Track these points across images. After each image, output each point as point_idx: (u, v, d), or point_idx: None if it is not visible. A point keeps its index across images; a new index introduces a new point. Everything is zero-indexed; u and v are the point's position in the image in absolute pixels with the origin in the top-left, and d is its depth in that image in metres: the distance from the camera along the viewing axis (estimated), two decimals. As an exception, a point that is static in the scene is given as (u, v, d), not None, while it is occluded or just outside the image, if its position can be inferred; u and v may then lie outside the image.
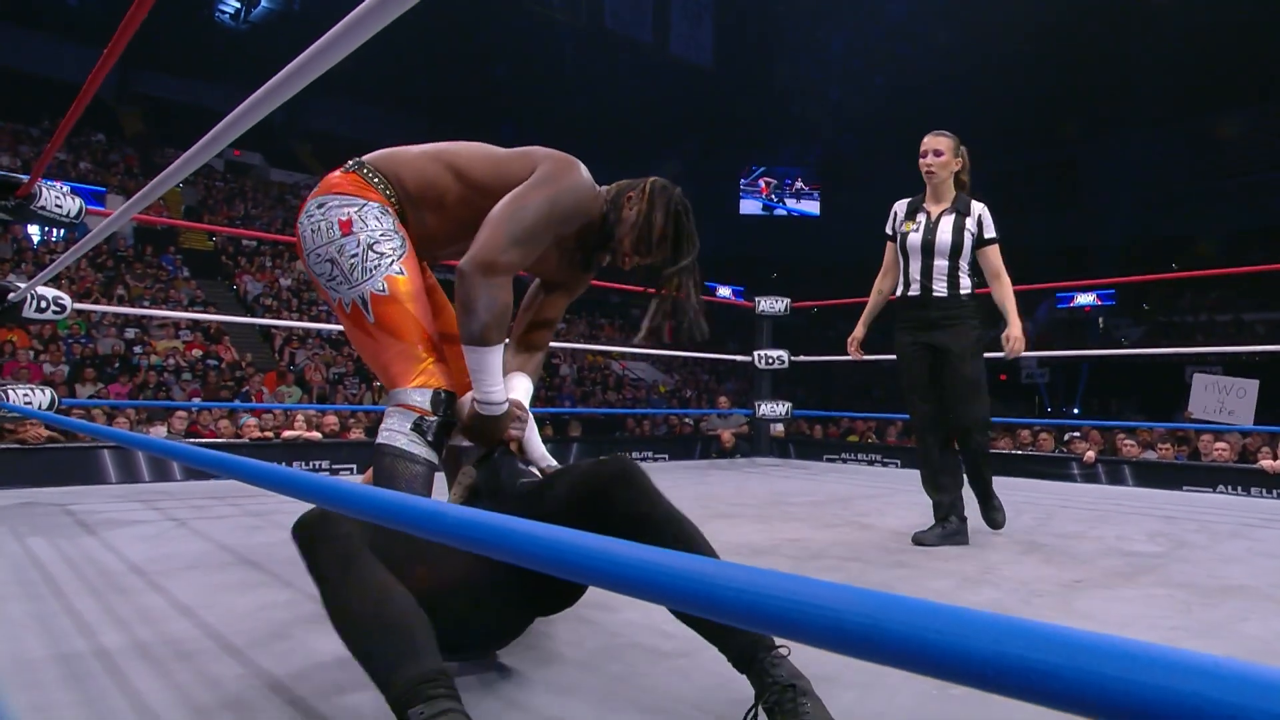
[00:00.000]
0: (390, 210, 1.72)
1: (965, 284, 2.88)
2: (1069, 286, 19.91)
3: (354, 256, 1.64)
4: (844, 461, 7.14)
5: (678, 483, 4.57)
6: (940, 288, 2.87)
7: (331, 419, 6.44)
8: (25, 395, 2.98)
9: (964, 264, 2.88)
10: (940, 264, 2.86)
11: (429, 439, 1.62)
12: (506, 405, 1.64)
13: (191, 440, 6.63)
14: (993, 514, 3.00)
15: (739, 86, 26.24)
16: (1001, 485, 4.69)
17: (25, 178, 2.91)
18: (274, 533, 2.45)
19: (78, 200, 3.14)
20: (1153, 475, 5.84)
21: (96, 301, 12.07)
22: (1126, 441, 6.98)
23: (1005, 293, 2.86)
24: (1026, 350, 2.89)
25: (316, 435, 5.82)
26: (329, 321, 15.12)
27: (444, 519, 0.64)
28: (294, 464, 5.86)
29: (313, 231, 1.69)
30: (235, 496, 3.37)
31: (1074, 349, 18.86)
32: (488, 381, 1.60)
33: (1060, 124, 22.78)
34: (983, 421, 2.85)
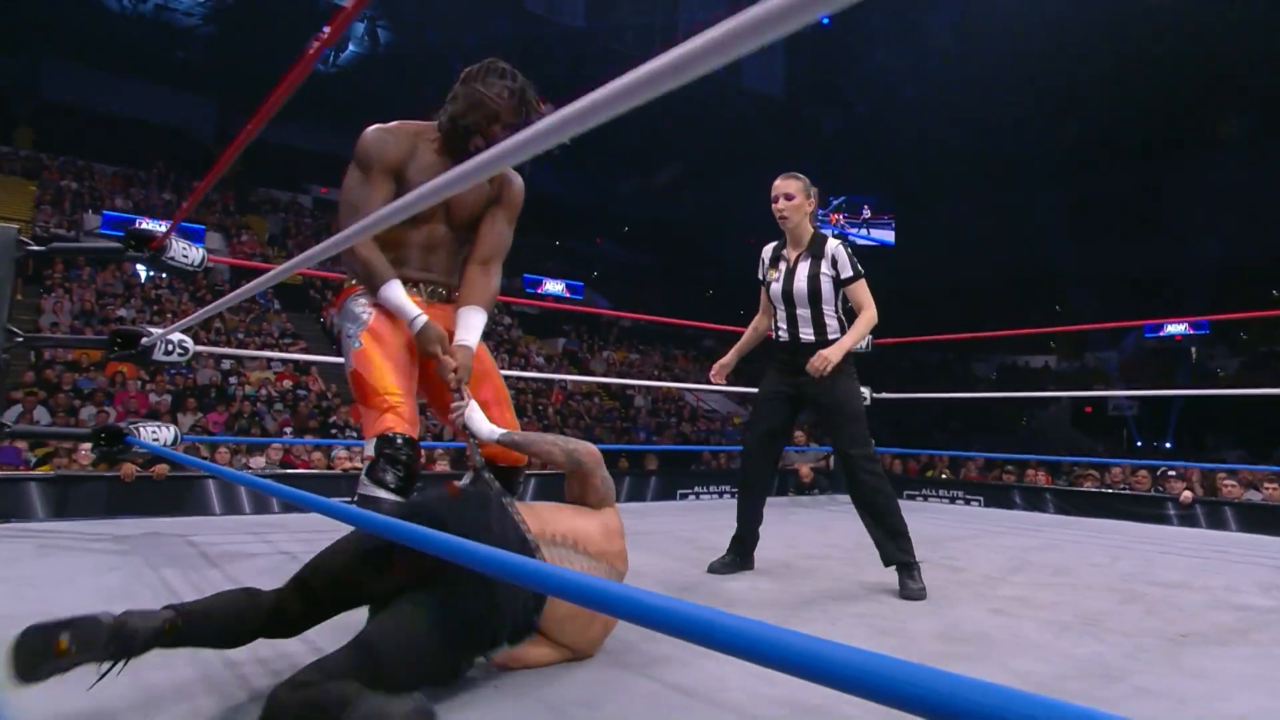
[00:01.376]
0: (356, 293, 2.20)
1: (833, 327, 2.86)
2: (1157, 319, 19.15)
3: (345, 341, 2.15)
4: (925, 499, 7.01)
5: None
6: (807, 334, 2.88)
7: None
8: (153, 432, 3.19)
9: (828, 308, 2.85)
10: (803, 312, 2.87)
11: (384, 479, 1.89)
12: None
13: (286, 471, 6.93)
14: (906, 580, 2.61)
15: (811, 117, 26.21)
16: (1093, 527, 4.58)
17: (159, 233, 3.14)
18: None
19: (201, 251, 3.37)
20: (1259, 519, 5.57)
21: (196, 336, 12.77)
22: (1228, 481, 6.68)
23: (857, 323, 2.80)
24: (1116, 387, 2.82)
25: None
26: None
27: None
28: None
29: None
30: (340, 529, 3.53)
31: (1165, 381, 18.10)
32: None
33: (1143, 145, 22.06)
34: (866, 454, 2.75)
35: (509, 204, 2.27)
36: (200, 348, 3.54)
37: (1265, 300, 21.04)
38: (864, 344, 5.83)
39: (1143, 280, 21.38)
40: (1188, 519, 5.89)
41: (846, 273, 2.84)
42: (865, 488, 2.75)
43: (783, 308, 2.93)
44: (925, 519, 4.84)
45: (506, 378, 2.55)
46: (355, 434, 10.80)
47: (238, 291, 2.06)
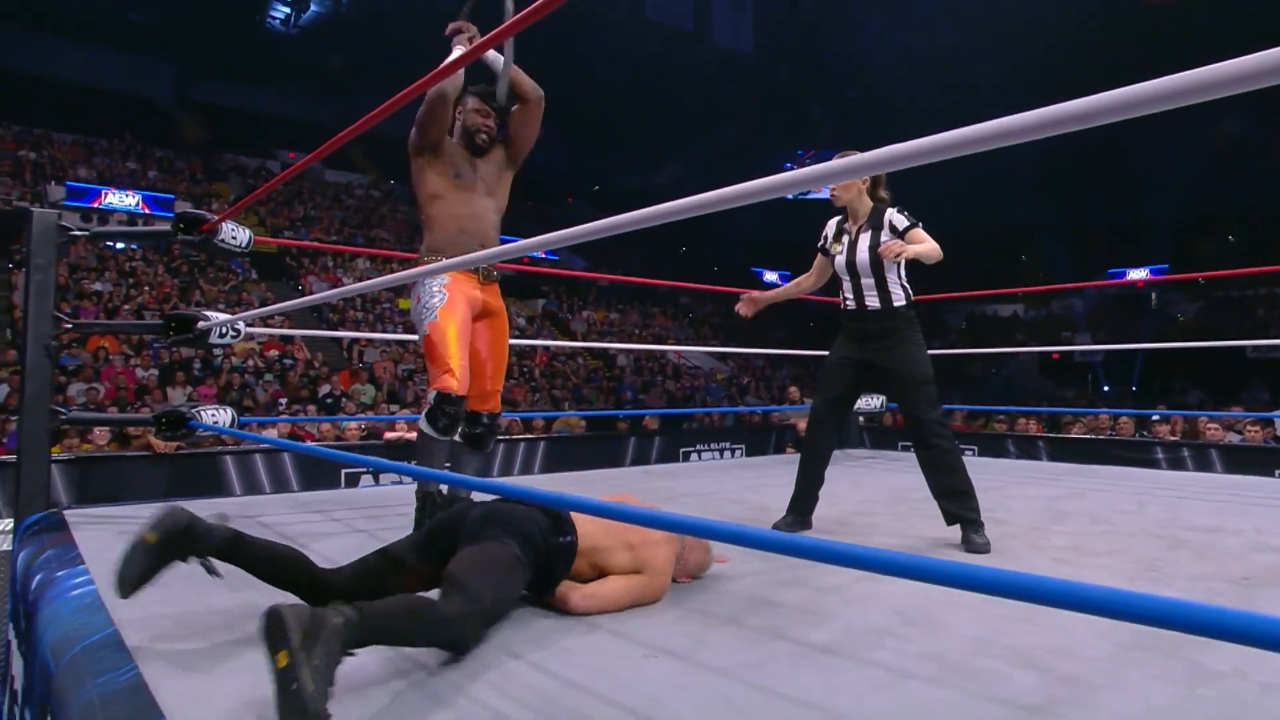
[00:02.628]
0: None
1: (898, 295, 2.97)
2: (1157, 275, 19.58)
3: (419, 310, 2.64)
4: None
5: (781, 480, 4.69)
6: (874, 302, 2.98)
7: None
8: (213, 415, 3.19)
9: (891, 277, 2.96)
10: (867, 281, 2.98)
11: (433, 423, 2.53)
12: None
13: (304, 444, 6.91)
14: (971, 535, 2.75)
15: (781, 72, 26.04)
16: (1092, 473, 4.77)
17: (213, 216, 3.11)
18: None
19: (247, 232, 3.34)
20: (1243, 460, 5.82)
21: (175, 306, 12.52)
22: (1210, 425, 6.96)
23: (933, 250, 2.88)
24: (1081, 334, 2.90)
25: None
26: (394, 320, 15.43)
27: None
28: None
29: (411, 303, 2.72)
30: (393, 504, 3.57)
31: (1127, 327, 18.58)
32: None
33: (1099, 92, 22.28)
34: (936, 417, 2.88)
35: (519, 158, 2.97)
36: (253, 329, 3.52)
37: (1224, 247, 21.62)
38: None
39: (1107, 230, 21.79)
40: (1175, 462, 6.15)
41: (903, 224, 2.95)
42: (938, 451, 2.85)
43: (848, 279, 3.04)
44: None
45: None
46: (351, 404, 10.74)
47: (356, 286, 2.07)
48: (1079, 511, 3.46)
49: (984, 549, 2.70)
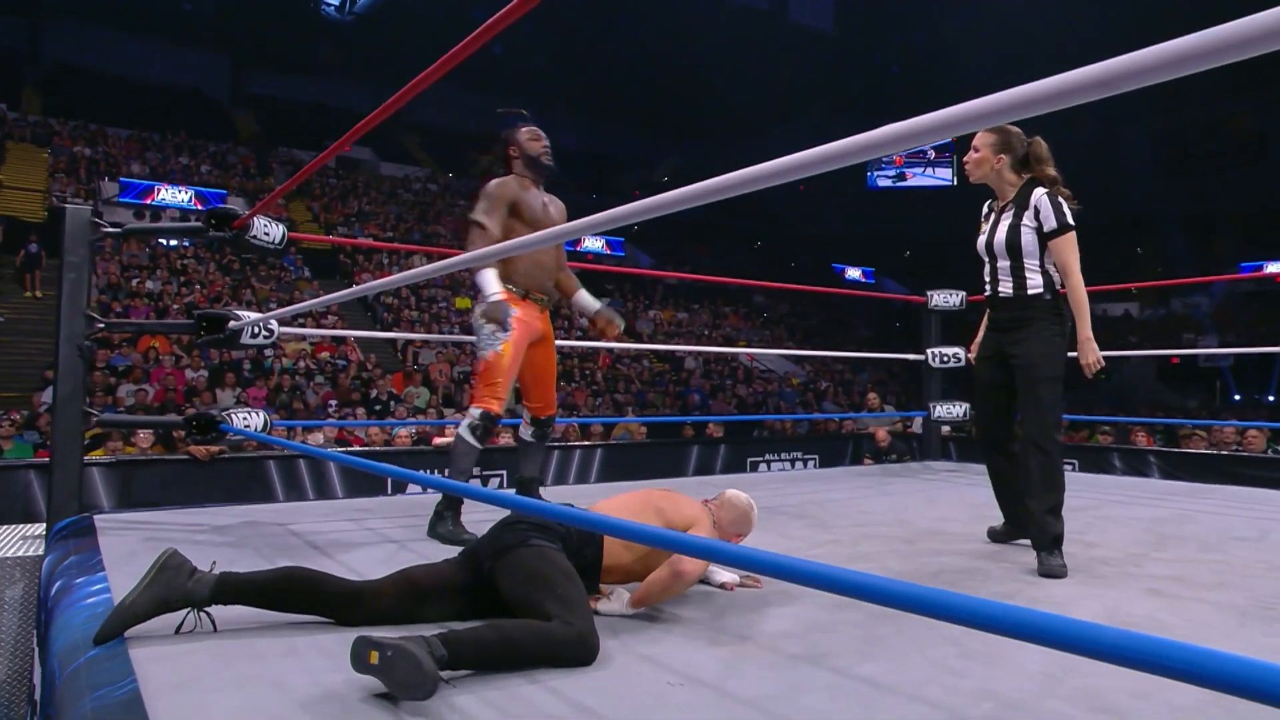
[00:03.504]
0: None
1: (1035, 283, 2.86)
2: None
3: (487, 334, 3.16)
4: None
5: (854, 494, 4.61)
6: (1006, 288, 2.93)
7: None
8: (245, 418, 3.29)
9: (1030, 263, 2.86)
10: (1003, 264, 2.91)
11: (476, 435, 3.11)
12: (498, 297, 3.11)
13: (345, 449, 7.09)
14: (1049, 559, 2.65)
15: (862, 52, 25.68)
16: (1218, 494, 4.53)
17: (244, 212, 3.21)
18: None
19: (281, 228, 3.44)
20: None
21: (226, 304, 13.02)
22: (1353, 439, 6.55)
23: (1074, 297, 2.79)
24: (1208, 336, 2.82)
25: (471, 443, 6.12)
26: (450, 321, 15.73)
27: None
28: (446, 471, 6.20)
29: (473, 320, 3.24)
30: (423, 513, 3.63)
31: (1262, 326, 17.69)
32: (486, 286, 3.11)
33: (1245, 68, 21.31)
34: (1044, 435, 2.76)
35: (563, 213, 3.40)
36: (285, 329, 3.63)
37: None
38: (957, 301, 5.80)
39: (1238, 217, 20.78)
40: (1312, 483, 5.79)
41: (1051, 224, 2.82)
42: (1036, 460, 2.77)
43: (987, 261, 2.99)
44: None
45: None
46: (405, 409, 11.00)
47: (392, 279, 2.10)
48: (1186, 537, 3.30)
49: (1059, 573, 2.61)
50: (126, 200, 16.54)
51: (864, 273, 26.84)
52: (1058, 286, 2.87)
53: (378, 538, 3.17)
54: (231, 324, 3.25)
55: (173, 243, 15.26)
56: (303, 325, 13.23)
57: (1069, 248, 2.80)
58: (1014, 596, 2.37)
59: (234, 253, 15.13)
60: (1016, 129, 2.92)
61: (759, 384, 17.39)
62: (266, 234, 3.36)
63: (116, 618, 1.78)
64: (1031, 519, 2.76)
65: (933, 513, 3.87)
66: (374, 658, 1.48)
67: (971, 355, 3.28)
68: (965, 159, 2.99)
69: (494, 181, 3.23)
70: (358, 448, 7.60)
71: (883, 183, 28.87)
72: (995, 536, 3.17)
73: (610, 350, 15.97)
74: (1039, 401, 2.80)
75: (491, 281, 3.10)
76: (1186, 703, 1.59)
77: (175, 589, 1.83)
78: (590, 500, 2.42)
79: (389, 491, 5.55)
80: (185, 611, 1.85)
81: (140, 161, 18.66)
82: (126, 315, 11.54)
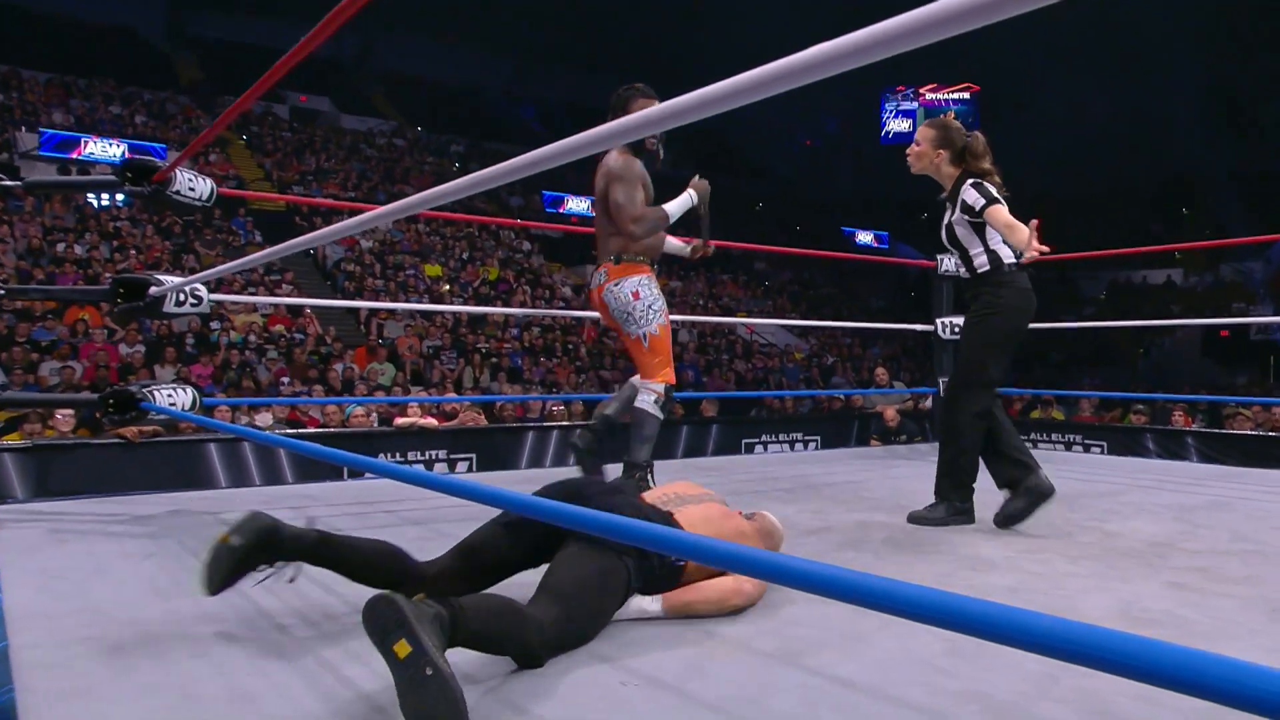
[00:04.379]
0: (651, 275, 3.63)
1: (980, 263, 3.33)
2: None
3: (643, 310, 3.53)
4: (1034, 444, 6.97)
5: (853, 477, 4.61)
6: (963, 271, 3.46)
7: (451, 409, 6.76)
8: (169, 395, 3.26)
9: (973, 249, 3.33)
10: (954, 255, 3.45)
11: (662, 408, 3.54)
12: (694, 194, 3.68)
13: (295, 430, 7.07)
14: (929, 510, 3.31)
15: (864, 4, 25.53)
16: (1249, 479, 4.54)
17: (164, 163, 3.16)
18: (445, 545, 2.62)
19: (209, 183, 3.39)
20: None
21: (166, 271, 12.93)
22: None
23: (1014, 239, 3.09)
24: (1262, 305, 3.10)
25: (433, 422, 6.11)
26: (418, 290, 15.66)
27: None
28: (410, 454, 6.20)
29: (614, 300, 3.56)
30: (381, 500, 3.61)
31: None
32: (675, 210, 3.59)
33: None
34: (955, 392, 3.33)
35: (606, 175, 3.59)
36: (218, 296, 3.59)
37: None
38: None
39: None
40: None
41: (980, 204, 3.19)
42: (946, 428, 3.38)
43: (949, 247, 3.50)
44: (1049, 470, 4.83)
45: (529, 313, 4.73)
46: (365, 386, 10.97)
47: (310, 237, 2.07)
48: (1219, 526, 3.30)
49: (931, 523, 3.24)
50: (49, 155, 16.28)
51: (876, 237, 26.77)
52: (1007, 259, 3.29)
53: (321, 527, 3.15)
54: (153, 290, 3.20)
55: (104, 202, 15.11)
56: (254, 293, 13.15)
57: (997, 216, 3.13)
58: (1017, 590, 2.36)
59: (155, 212, 14.84)
60: (957, 124, 3.40)
61: (759, 359, 17.39)
62: (191, 189, 3.31)
63: (218, 562, 1.77)
64: (938, 470, 3.35)
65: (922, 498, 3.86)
66: (403, 652, 1.37)
67: None
68: (907, 151, 3.41)
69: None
70: (312, 429, 7.58)
71: (900, 131, 28.77)
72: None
73: (595, 323, 15.93)
74: (958, 364, 3.42)
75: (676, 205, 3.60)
76: (1196, 707, 1.58)
77: (275, 551, 1.84)
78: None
79: (345, 477, 5.54)
80: (277, 565, 1.85)
81: (63, 110, 18.40)
82: (51, 284, 11.43)
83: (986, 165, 3.26)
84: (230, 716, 1.49)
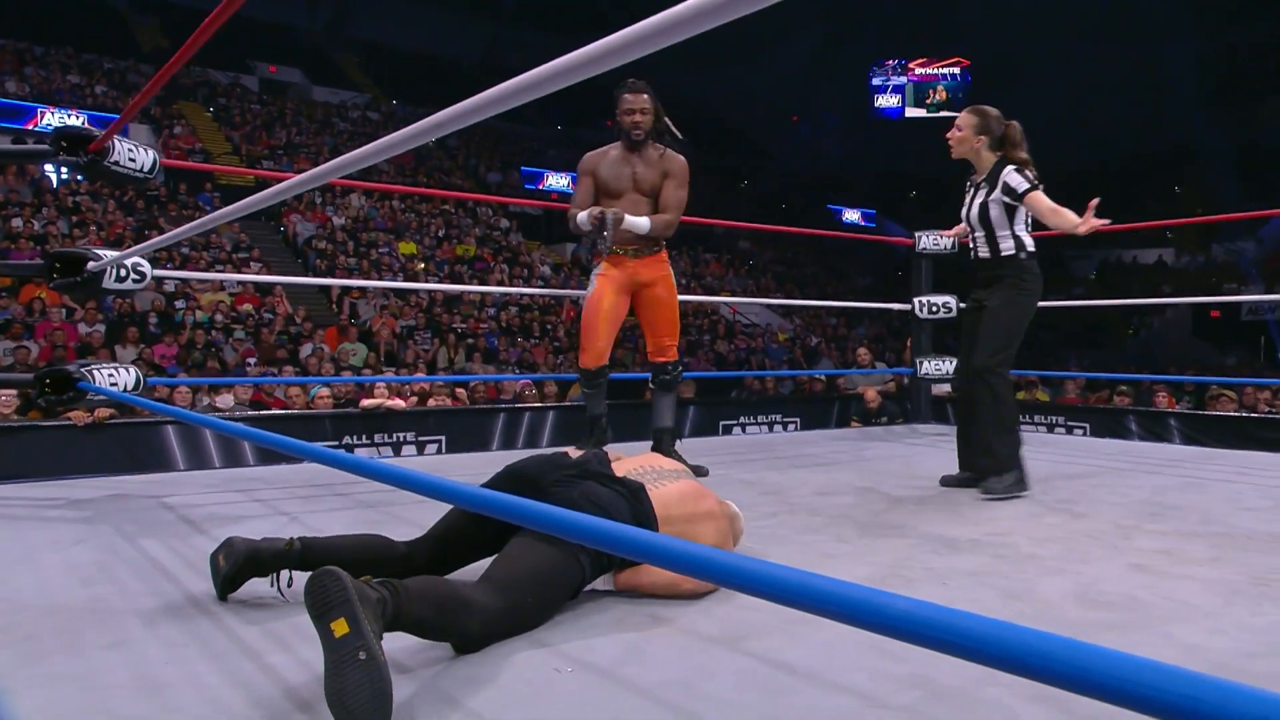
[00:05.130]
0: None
1: (1007, 246, 3.61)
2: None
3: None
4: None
5: (824, 459, 4.61)
6: (984, 253, 3.69)
7: (422, 388, 6.71)
8: (110, 376, 3.21)
9: (1000, 231, 3.61)
10: (979, 235, 3.69)
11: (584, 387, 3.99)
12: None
13: (259, 412, 7.01)
14: (993, 481, 3.45)
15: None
16: (1239, 461, 4.55)
17: (99, 132, 3.10)
18: (397, 529, 2.59)
19: (151, 153, 3.33)
20: None
21: (127, 248, 12.77)
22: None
23: (1057, 223, 3.47)
24: (1253, 285, 3.29)
25: (400, 404, 6.07)
26: (392, 269, 15.55)
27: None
28: (376, 436, 6.15)
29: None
30: (336, 483, 3.58)
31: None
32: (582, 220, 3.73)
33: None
34: (993, 367, 3.50)
35: (674, 174, 3.89)
36: (161, 273, 3.53)
37: None
38: (949, 244, 5.77)
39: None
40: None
41: (1022, 188, 3.51)
42: (979, 399, 3.53)
43: (969, 230, 3.76)
44: (1028, 453, 4.84)
45: (507, 292, 6.08)
46: (334, 367, 10.90)
47: (245, 202, 2.02)
48: (1188, 507, 3.31)
49: (997, 490, 3.40)
50: (1, 124, 16.04)
51: (863, 215, 26.75)
52: (1029, 247, 3.61)
53: (265, 510, 3.12)
54: (91, 265, 3.14)
55: (64, 176, 14.90)
56: (221, 270, 13.01)
57: (1039, 201, 3.49)
58: (977, 574, 2.35)
59: (116, 186, 14.59)
60: (996, 111, 3.65)
61: (741, 340, 17.38)
62: (132, 160, 3.25)
63: (214, 573, 1.98)
64: (983, 447, 3.53)
65: (906, 482, 3.87)
66: (340, 630, 1.35)
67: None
68: (948, 135, 3.68)
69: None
70: (277, 410, 7.52)
71: (889, 106, 28.70)
72: (947, 482, 3.73)
73: (575, 301, 15.87)
74: (991, 337, 3.54)
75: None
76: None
77: (254, 561, 1.94)
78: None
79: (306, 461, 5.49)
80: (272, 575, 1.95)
81: (17, 79, 18.07)
82: (5, 258, 11.27)
83: (1023, 154, 3.59)
84: (132, 707, 1.45)
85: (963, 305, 3.94)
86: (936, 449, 5.06)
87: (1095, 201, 3.32)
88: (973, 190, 3.73)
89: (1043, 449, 4.94)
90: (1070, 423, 7.16)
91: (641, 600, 2.06)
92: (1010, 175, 3.55)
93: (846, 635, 1.82)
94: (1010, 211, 3.59)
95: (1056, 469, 4.24)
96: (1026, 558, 2.52)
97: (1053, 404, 8.36)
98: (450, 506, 2.05)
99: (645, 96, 3.85)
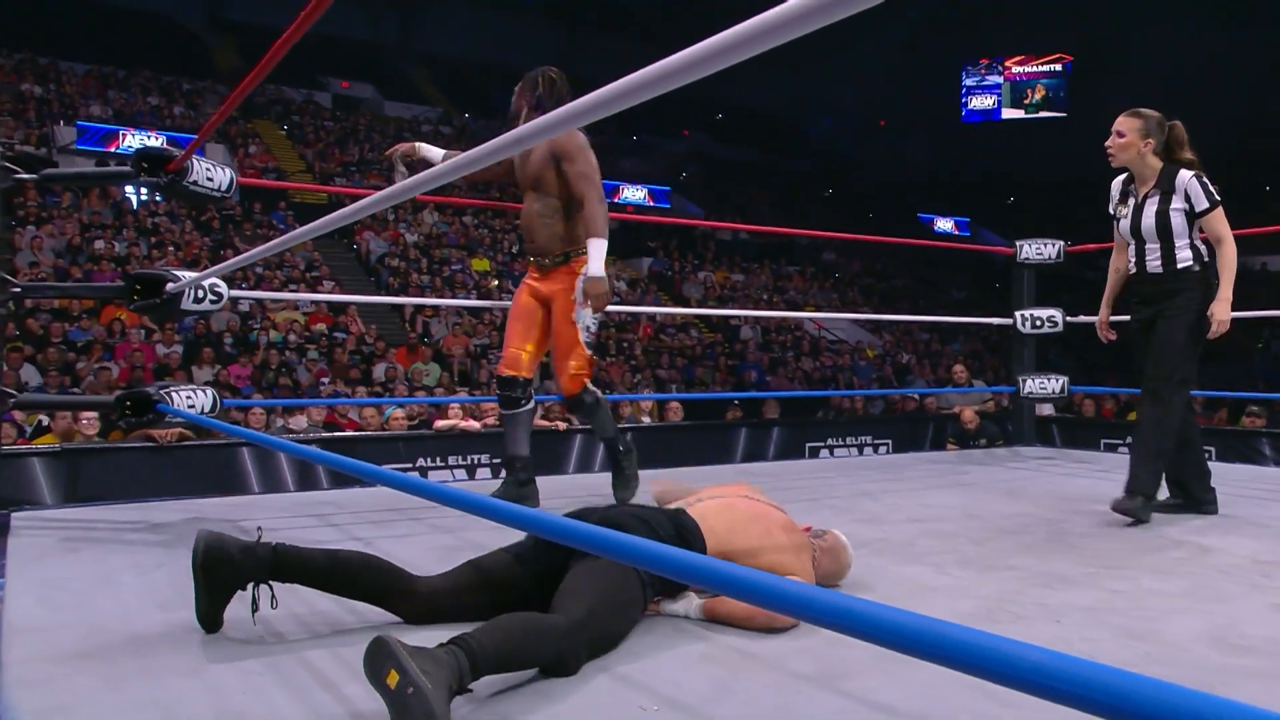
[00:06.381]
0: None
1: (1184, 257, 3.50)
2: None
3: None
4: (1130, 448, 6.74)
5: (920, 484, 4.51)
6: (1155, 265, 3.56)
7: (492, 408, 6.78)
8: (188, 398, 3.31)
9: (1180, 242, 3.50)
10: (1152, 246, 3.55)
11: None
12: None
13: (333, 434, 7.17)
14: (1127, 500, 3.36)
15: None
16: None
17: (178, 152, 3.21)
18: (476, 554, 2.60)
19: (228, 172, 3.42)
20: None
21: (203, 268, 13.21)
22: None
23: (1223, 261, 3.45)
24: None
25: (475, 425, 6.14)
26: (466, 286, 15.80)
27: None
28: (450, 458, 6.23)
29: None
30: (409, 508, 3.62)
31: None
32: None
33: None
34: (1168, 382, 3.45)
35: (561, 151, 3.44)
36: (237, 293, 3.64)
37: None
38: (1054, 252, 5.63)
39: None
40: None
41: (1202, 205, 3.44)
42: (1148, 413, 3.48)
43: (1133, 243, 3.61)
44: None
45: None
46: (407, 387, 11.10)
47: (321, 221, 2.07)
48: (1329, 538, 3.15)
49: (1130, 511, 3.31)
50: (86, 147, 16.74)
51: (956, 223, 26.32)
52: (1205, 258, 3.52)
53: (340, 535, 3.17)
54: (170, 286, 3.25)
55: (143, 198, 15.51)
56: (295, 290, 13.37)
57: (1221, 221, 3.46)
58: (1094, 610, 2.27)
59: (192, 207, 15.02)
60: (1156, 113, 3.56)
61: (828, 357, 17.20)
62: (210, 179, 3.35)
63: (202, 623, 1.98)
64: (1134, 459, 3.47)
65: (1010, 508, 3.77)
66: (393, 680, 1.47)
67: (1104, 329, 3.96)
68: (1108, 144, 3.55)
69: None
70: (350, 432, 7.68)
71: (983, 108, 28.23)
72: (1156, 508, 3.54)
73: (652, 318, 15.92)
74: (1166, 351, 3.47)
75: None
76: None
77: (231, 575, 1.94)
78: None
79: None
80: (250, 587, 1.96)
81: (101, 102, 18.93)
82: (89, 279, 11.75)
83: (1191, 154, 3.53)
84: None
85: (1130, 321, 3.77)
86: (1041, 473, 4.92)
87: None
88: (1137, 199, 3.59)
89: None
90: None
91: (724, 631, 2.05)
92: (1192, 184, 3.46)
93: (949, 674, 1.76)
94: (1190, 219, 3.49)
95: (1176, 495, 4.08)
96: (1149, 593, 2.42)
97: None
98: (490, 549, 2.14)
99: (523, 83, 3.57)
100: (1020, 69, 28.63)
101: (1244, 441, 6.65)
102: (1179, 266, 3.50)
